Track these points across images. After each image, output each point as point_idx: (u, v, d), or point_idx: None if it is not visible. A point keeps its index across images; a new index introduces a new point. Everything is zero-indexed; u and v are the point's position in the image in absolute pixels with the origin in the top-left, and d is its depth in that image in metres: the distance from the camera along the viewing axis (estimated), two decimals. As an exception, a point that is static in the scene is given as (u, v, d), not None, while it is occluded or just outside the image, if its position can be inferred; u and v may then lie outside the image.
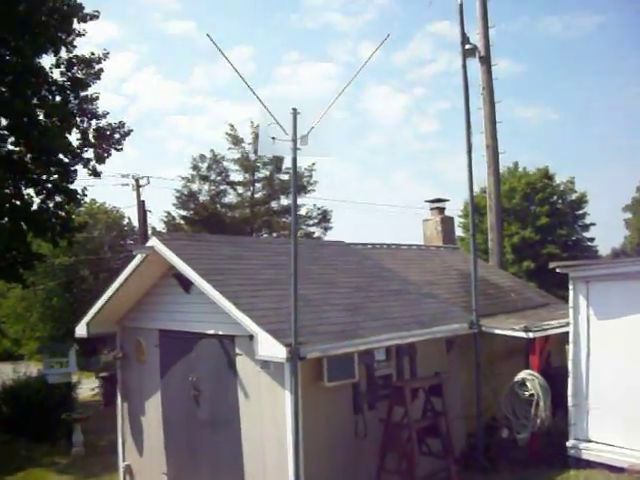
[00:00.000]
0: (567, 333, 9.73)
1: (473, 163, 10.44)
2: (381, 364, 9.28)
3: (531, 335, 9.75)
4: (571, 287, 9.55)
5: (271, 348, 7.36)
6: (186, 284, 9.12)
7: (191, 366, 9.25)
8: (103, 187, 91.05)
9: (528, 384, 9.52)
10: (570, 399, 9.42)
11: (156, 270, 9.67)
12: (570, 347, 9.55)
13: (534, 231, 34.73)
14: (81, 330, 10.68)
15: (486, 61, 16.96)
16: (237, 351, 8.45)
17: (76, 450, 13.73)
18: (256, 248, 10.93)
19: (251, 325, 7.59)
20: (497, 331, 10.29)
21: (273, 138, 7.14)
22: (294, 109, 7.18)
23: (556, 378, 9.96)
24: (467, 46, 12.02)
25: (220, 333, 8.64)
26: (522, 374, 9.70)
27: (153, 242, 9.17)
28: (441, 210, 16.26)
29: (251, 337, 7.67)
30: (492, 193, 17.10)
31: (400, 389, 8.65)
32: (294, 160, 7.27)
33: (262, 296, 8.52)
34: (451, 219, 16.87)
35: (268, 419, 8.04)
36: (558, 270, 9.59)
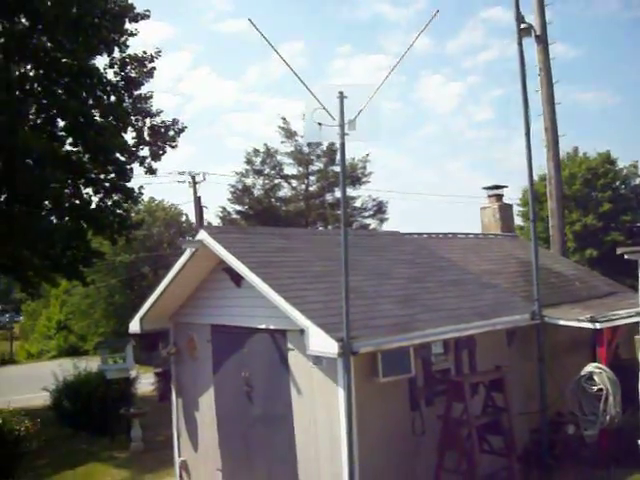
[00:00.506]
0: (637, 323, 9.16)
1: (532, 149, 9.92)
2: (439, 358, 8.92)
3: (598, 326, 9.20)
4: (641, 274, 8.94)
5: (322, 343, 7.11)
6: (237, 278, 8.95)
7: (243, 361, 9.09)
8: (161, 185, 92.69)
9: (596, 378, 8.99)
10: (642, 394, 8.84)
11: (206, 264, 9.54)
12: (641, 338, 8.97)
13: (596, 218, 33.49)
14: (134, 326, 10.68)
15: (542, 40, 16.24)
16: (289, 346, 8.25)
17: (135, 445, 13.82)
18: (307, 240, 10.68)
19: (301, 319, 7.36)
20: (561, 322, 9.77)
21: (319, 124, 6.87)
22: (341, 93, 6.88)
23: (626, 371, 9.39)
24: (522, 25, 11.49)
25: (271, 328, 8.45)
26: (589, 367, 9.16)
27: (202, 236, 9.03)
28: (499, 197, 15.68)
29: (302, 331, 7.44)
30: (552, 178, 16.40)
31: (459, 384, 8.26)
32: (342, 146, 6.98)
33: (313, 289, 8.28)
34: (509, 206, 16.26)
35: (321, 416, 7.80)
36: (626, 256, 8.98)
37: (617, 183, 35.58)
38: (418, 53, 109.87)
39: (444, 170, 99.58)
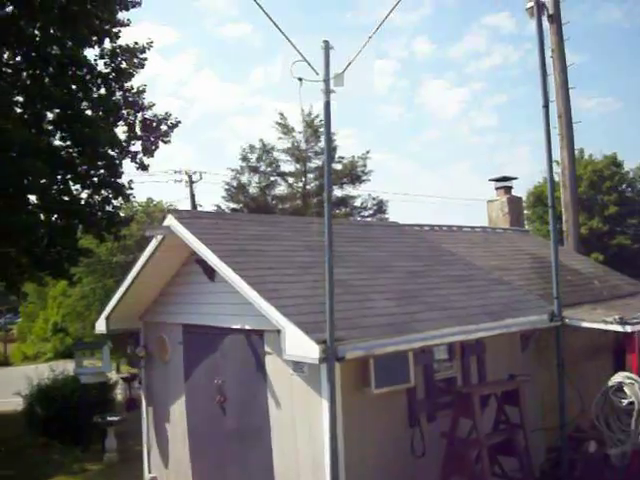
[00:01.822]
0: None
1: (542, 139, 8.66)
2: (442, 365, 7.73)
3: (629, 329, 7.93)
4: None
5: (301, 346, 5.90)
6: (210, 271, 7.77)
7: (216, 367, 7.91)
8: (159, 186, 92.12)
9: (626, 390, 7.71)
10: (678, 408, 7.59)
11: (176, 255, 8.39)
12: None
13: (602, 221, 32.49)
14: (100, 326, 9.56)
15: (556, 20, 14.96)
16: (266, 349, 7.05)
17: (108, 456, 12.65)
18: (292, 228, 9.39)
19: (276, 316, 6.16)
20: (584, 324, 8.48)
21: (300, 79, 5.66)
22: (326, 42, 5.71)
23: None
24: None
25: (247, 328, 7.25)
26: (618, 377, 7.88)
27: (169, 221, 7.84)
28: (508, 189, 14.45)
29: (279, 332, 6.23)
30: (566, 168, 15.11)
31: (467, 396, 7.03)
32: (326, 105, 5.77)
33: (295, 282, 7.08)
34: (519, 199, 15.02)
35: (302, 432, 6.59)
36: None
37: (623, 186, 34.71)
38: (420, 57, 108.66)
39: (446, 176, 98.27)
